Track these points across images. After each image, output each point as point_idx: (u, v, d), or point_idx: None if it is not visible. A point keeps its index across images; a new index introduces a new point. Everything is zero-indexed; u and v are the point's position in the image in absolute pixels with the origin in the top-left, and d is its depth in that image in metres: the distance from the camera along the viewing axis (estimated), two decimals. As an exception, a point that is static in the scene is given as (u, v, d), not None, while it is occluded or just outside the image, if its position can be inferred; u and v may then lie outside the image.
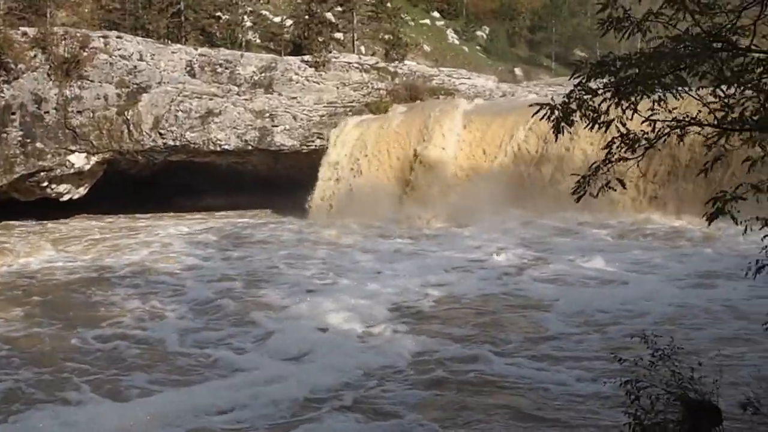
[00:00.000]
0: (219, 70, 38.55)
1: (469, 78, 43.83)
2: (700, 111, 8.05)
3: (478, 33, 65.08)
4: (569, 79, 8.37)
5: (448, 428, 12.05)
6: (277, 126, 37.58)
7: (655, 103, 7.92)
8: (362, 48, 50.46)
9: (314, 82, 39.32)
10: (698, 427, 8.22)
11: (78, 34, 36.50)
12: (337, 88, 39.41)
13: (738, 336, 15.80)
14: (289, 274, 24.88)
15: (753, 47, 7.79)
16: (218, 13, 48.29)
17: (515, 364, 14.64)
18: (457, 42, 61.98)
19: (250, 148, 37.57)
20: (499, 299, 20.25)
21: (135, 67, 36.87)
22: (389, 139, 36.34)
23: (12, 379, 15.10)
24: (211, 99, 37.22)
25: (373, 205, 33.96)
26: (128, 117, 36.01)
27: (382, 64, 42.54)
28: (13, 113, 34.29)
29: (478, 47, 63.09)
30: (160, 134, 36.34)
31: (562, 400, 12.80)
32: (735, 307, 18.01)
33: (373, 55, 47.88)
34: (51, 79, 35.21)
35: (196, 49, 40.29)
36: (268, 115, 37.63)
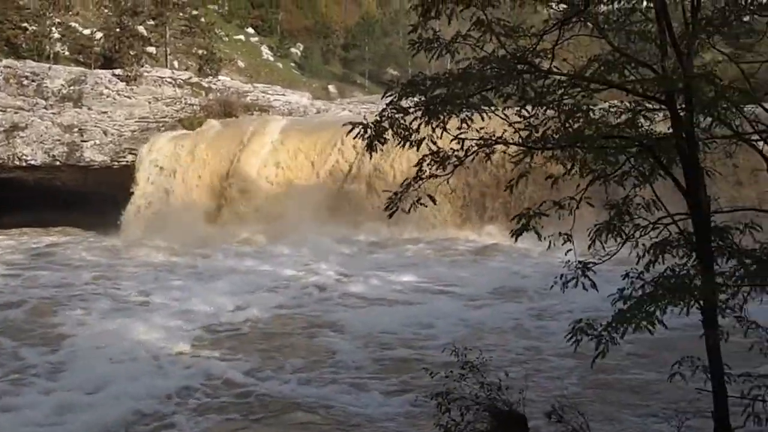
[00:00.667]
0: (25, 82, 37.28)
1: (283, 95, 43.91)
2: (506, 130, 8.33)
3: (293, 50, 65.28)
4: (381, 98, 8.51)
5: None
6: (86, 141, 36.59)
7: (463, 122, 8.14)
8: (175, 63, 49.89)
9: (126, 96, 38.51)
10: (506, 435, 8.49)
11: None
12: (150, 103, 38.71)
13: (534, 352, 16.33)
14: (93, 296, 23.67)
15: (554, 69, 8.13)
16: (24, 24, 46.76)
17: (308, 386, 14.59)
18: (271, 58, 61.99)
19: (58, 163, 36.44)
20: (300, 319, 20.22)
21: (-67, 78, 35.28)
22: (204, 155, 35.93)
23: None
24: (16, 112, 35.95)
25: (187, 223, 33.42)
26: (-75, 130, 34.35)
27: (195, 80, 42.11)
28: None
29: (292, 64, 63.26)
30: (-39, 149, 34.81)
31: (358, 420, 12.84)
32: (530, 323, 18.62)
33: (186, 70, 47.34)
34: None
35: (1, 61, 38.82)
36: (77, 129, 36.60)
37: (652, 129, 8.40)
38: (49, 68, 39.40)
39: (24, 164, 36.03)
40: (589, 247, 8.30)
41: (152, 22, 51.05)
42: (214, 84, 42.61)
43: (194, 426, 12.74)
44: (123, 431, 12.78)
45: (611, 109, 8.52)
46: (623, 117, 8.33)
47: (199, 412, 13.38)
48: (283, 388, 14.41)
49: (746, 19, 8.78)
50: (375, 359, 16.20)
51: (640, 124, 8.31)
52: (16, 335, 19.06)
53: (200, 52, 52.35)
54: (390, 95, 8.26)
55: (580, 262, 8.11)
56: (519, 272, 24.73)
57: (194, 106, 39.48)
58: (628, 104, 8.45)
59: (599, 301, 8.04)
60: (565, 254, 8.13)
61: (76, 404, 14.05)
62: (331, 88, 60.32)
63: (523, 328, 18.40)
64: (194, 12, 54.18)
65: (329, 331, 18.72)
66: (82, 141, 36.57)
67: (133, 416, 13.24)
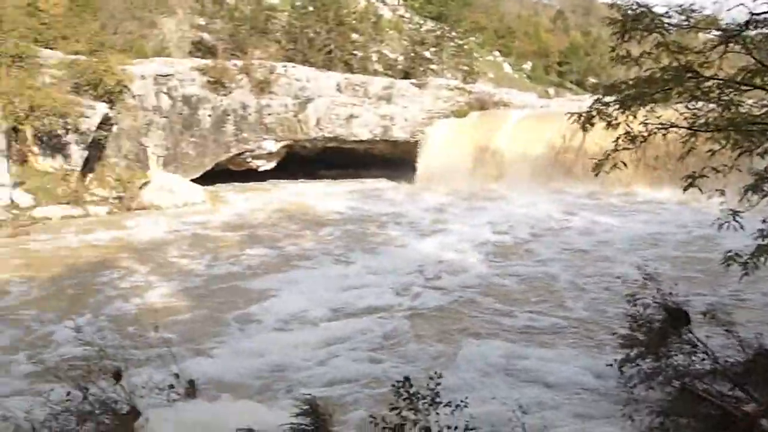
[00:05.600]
0: (356, 88, 38.54)
1: (519, 95, 43.11)
2: (677, 118, 8.01)
3: (524, 66, 63.99)
4: (589, 97, 8.41)
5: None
6: (395, 125, 37.61)
7: (648, 112, 7.89)
8: (448, 75, 50.07)
9: (418, 97, 39.08)
10: (675, 324, 8.22)
11: (268, 65, 36.88)
12: (433, 101, 39.09)
13: (697, 265, 15.39)
14: (405, 218, 24.81)
15: (714, 75, 7.68)
16: (355, 52, 48.48)
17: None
18: (510, 71, 60.98)
19: (377, 139, 37.67)
20: (547, 241, 20.50)
21: (303, 86, 37.14)
22: (467, 134, 36.12)
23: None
24: (352, 107, 37.38)
25: (456, 177, 33.84)
26: (300, 118, 36.39)
27: (461, 86, 42.06)
28: (228, 115, 34.99)
29: (524, 75, 61.95)
30: (320, 129, 36.67)
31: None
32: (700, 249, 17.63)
33: (455, 79, 47.42)
34: (252, 93, 35.74)
35: (342, 74, 40.50)
36: (388, 117, 37.65)
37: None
38: (371, 79, 40.53)
39: (356, 139, 37.46)
40: (740, 200, 7.81)
41: (433, 49, 51.41)
42: (474, 89, 42.36)
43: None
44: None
45: (755, 104, 7.93)
46: (764, 109, 7.76)
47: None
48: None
49: None
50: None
51: (776, 114, 7.71)
52: (350, 243, 20.40)
53: (464, 67, 52.22)
54: (596, 94, 8.15)
55: (731, 210, 7.67)
56: (688, 215, 23.25)
57: (461, 103, 39.41)
58: (766, 100, 7.86)
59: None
60: (720, 204, 7.72)
61: (382, 271, 16.37)
62: (550, 90, 58.68)
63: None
64: (460, 42, 53.94)
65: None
66: (392, 125, 37.56)
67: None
